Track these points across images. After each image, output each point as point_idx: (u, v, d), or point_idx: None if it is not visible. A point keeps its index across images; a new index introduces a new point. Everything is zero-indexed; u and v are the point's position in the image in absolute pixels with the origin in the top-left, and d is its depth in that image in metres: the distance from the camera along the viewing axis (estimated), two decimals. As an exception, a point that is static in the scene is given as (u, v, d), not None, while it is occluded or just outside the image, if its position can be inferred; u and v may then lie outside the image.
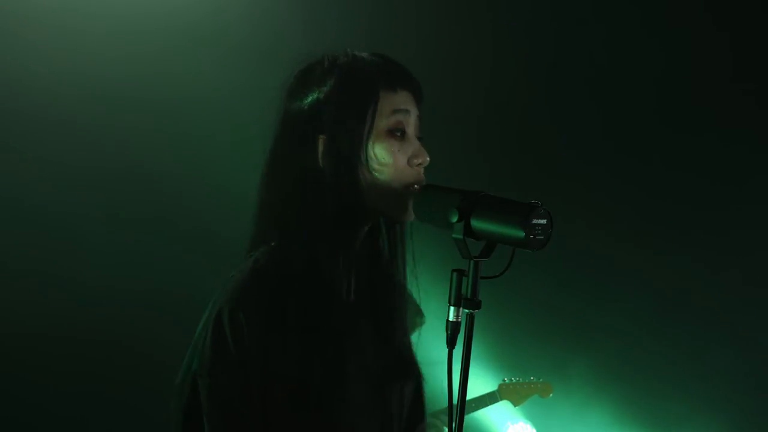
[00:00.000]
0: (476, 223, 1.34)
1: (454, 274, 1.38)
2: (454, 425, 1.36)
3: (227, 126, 3.55)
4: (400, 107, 1.49)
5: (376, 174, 1.47)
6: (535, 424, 4.29)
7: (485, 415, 4.12)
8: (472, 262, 1.35)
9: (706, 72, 4.00)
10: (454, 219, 1.36)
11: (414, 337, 1.71)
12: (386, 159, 1.46)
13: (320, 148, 1.47)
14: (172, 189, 3.62)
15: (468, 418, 3.58)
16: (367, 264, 1.59)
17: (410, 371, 1.64)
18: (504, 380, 4.04)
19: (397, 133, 1.48)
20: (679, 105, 4.07)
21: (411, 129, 1.50)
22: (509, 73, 4.09)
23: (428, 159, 1.50)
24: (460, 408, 1.36)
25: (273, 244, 1.51)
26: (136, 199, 3.63)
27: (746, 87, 3.98)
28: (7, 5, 3.40)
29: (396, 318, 1.63)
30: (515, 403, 4.03)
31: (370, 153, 1.46)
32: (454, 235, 1.37)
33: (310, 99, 1.48)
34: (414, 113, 1.51)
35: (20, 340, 3.43)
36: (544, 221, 1.30)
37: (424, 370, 1.68)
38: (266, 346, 1.42)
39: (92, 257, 3.57)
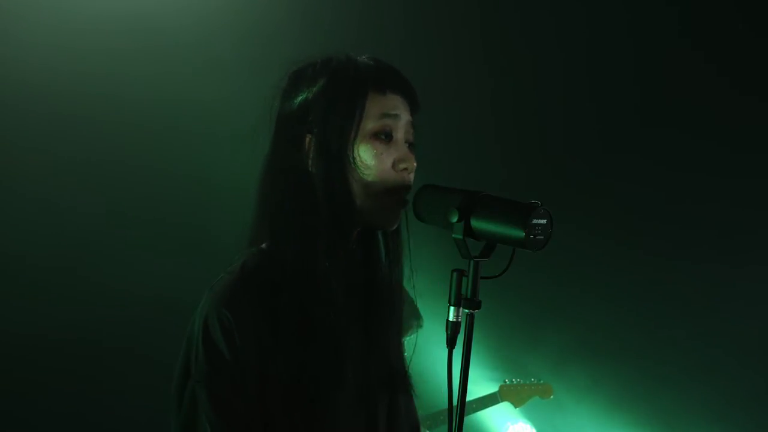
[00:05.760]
0: (476, 223, 1.34)
1: (454, 274, 1.37)
2: (454, 425, 1.36)
3: (231, 125, 3.54)
4: (389, 111, 1.47)
5: (362, 175, 1.45)
6: (536, 424, 4.29)
7: (485, 415, 4.13)
8: (472, 262, 1.35)
9: (708, 75, 4.00)
10: (455, 219, 1.35)
11: (410, 340, 1.68)
12: (370, 161, 1.45)
13: (308, 147, 1.47)
14: (173, 188, 3.61)
15: (468, 418, 3.58)
16: (361, 267, 1.56)
17: (400, 383, 1.60)
18: (505, 381, 4.04)
19: (382, 137, 1.46)
20: (681, 107, 4.07)
21: (400, 134, 1.48)
22: (517, 75, 4.09)
23: (414, 164, 1.48)
24: (460, 408, 1.36)
25: (263, 245, 1.50)
26: (137, 198, 3.63)
27: (747, 88, 3.98)
28: (7, 5, 3.40)
29: (389, 324, 1.59)
30: (516, 405, 4.03)
31: (356, 153, 1.45)
32: (454, 235, 1.36)
33: (300, 99, 1.48)
34: (405, 118, 1.49)
35: (21, 340, 3.43)
36: (544, 221, 1.29)
37: (422, 370, 1.66)
38: (258, 348, 1.39)
39: (93, 256, 3.57)
